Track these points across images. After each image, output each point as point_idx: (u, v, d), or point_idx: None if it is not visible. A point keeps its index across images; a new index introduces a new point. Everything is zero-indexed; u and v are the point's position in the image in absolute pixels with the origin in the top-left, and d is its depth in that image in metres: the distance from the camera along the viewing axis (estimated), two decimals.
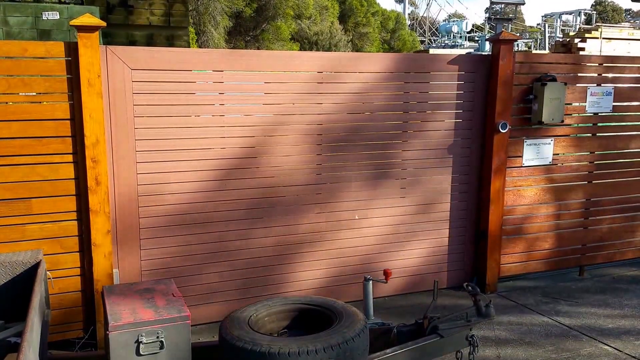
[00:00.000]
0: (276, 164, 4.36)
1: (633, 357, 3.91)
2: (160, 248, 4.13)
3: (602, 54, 12.03)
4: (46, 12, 5.58)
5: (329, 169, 4.53)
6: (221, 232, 4.27)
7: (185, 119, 4.05)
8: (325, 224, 4.59)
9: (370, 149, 4.63)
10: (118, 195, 3.96)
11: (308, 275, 4.61)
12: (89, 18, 3.68)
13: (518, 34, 16.18)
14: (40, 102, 3.72)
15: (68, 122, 3.76)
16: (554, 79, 4.89)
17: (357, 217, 4.65)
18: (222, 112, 4.16)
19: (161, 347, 2.79)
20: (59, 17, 5.63)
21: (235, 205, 4.28)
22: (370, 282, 3.81)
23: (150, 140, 3.99)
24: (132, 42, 7.46)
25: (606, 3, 60.23)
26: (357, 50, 25.87)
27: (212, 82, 4.12)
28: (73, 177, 3.82)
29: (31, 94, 3.71)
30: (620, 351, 3.99)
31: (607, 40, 12.82)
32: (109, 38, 7.27)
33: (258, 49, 20.06)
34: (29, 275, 3.08)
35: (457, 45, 38.16)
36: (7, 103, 3.64)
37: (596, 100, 5.22)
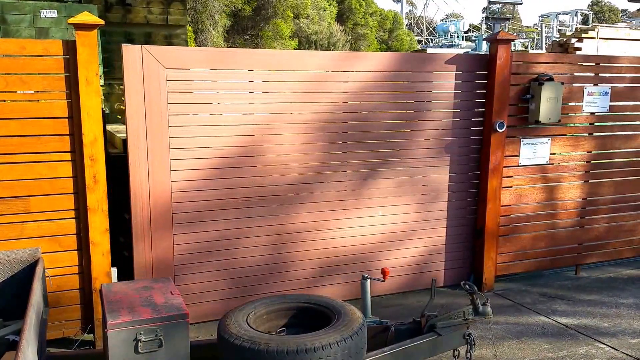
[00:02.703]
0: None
1: (629, 355, 3.93)
2: (193, 233, 4.21)
3: (599, 54, 12.06)
4: (44, 10, 5.57)
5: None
6: (246, 227, 4.36)
7: (217, 117, 4.15)
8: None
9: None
10: (153, 189, 4.04)
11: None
12: (87, 16, 3.68)
13: (515, 34, 16.21)
14: (38, 101, 3.72)
15: (66, 120, 3.76)
16: (551, 79, 4.91)
17: (380, 214, 4.71)
18: (252, 110, 4.22)
19: (160, 345, 2.79)
20: (57, 15, 5.63)
21: (254, 201, 4.36)
22: (368, 280, 3.82)
23: (183, 138, 4.07)
24: (130, 41, 7.46)
25: (603, 3, 60.37)
26: (355, 50, 25.88)
27: (243, 81, 4.19)
28: (71, 175, 3.82)
29: (29, 92, 3.71)
30: (616, 350, 4.02)
31: (604, 40, 12.85)
32: (106, 36, 7.26)
33: (257, 47, 20.05)
34: (28, 273, 3.08)
35: (455, 45, 38.20)
36: (5, 101, 3.64)
37: (593, 99, 5.24)
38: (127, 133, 3.95)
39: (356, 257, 4.74)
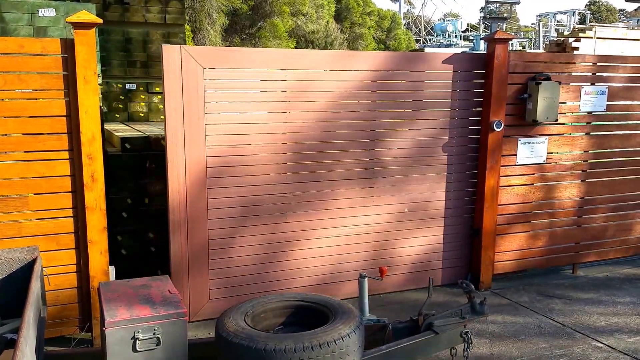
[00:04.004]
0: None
1: (626, 354, 3.95)
2: (224, 229, 4.31)
3: (596, 53, 12.09)
4: (42, 9, 5.56)
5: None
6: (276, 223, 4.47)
7: (251, 116, 4.23)
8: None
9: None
10: (190, 187, 4.13)
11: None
12: (85, 15, 3.68)
13: (513, 34, 16.22)
14: (36, 99, 3.72)
15: (64, 118, 3.76)
16: (548, 78, 4.92)
17: (406, 210, 4.79)
18: (285, 109, 4.31)
19: (158, 344, 2.80)
20: (55, 14, 5.62)
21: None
22: (366, 279, 3.83)
23: (219, 136, 4.16)
24: (128, 40, 7.45)
25: (600, 3, 60.48)
26: (352, 49, 25.86)
27: (277, 81, 4.26)
28: (69, 173, 3.82)
29: (27, 90, 3.70)
30: (613, 348, 4.03)
31: (601, 40, 12.88)
32: (105, 35, 7.25)
33: (254, 46, 20.04)
34: (26, 271, 3.08)
35: (452, 44, 38.24)
36: (3, 100, 3.64)
37: (590, 99, 5.26)
38: (165, 131, 4.05)
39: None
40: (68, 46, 3.71)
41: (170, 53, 3.96)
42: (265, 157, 4.34)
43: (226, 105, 4.18)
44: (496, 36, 4.82)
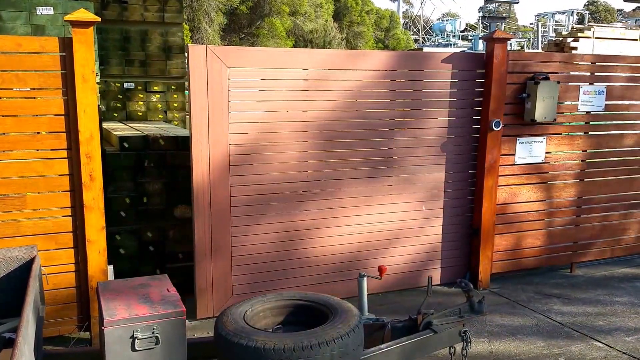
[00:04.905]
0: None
1: (624, 353, 3.96)
2: (250, 226, 4.41)
3: (595, 53, 12.11)
4: (40, 7, 5.54)
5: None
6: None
7: (273, 114, 4.32)
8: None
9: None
10: (213, 186, 4.20)
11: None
12: (84, 13, 3.68)
13: (511, 33, 16.24)
14: (34, 98, 3.71)
15: (62, 117, 3.75)
16: (546, 78, 4.92)
17: (424, 208, 4.85)
18: (306, 107, 4.39)
19: (156, 343, 2.79)
20: (53, 13, 5.59)
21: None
22: (365, 278, 3.83)
23: (242, 135, 4.24)
24: (127, 38, 7.43)
25: (598, 3, 60.55)
26: (351, 49, 25.87)
27: (298, 80, 4.34)
28: (67, 173, 3.81)
29: (25, 89, 3.69)
30: (611, 347, 4.04)
31: (600, 39, 12.90)
32: (103, 34, 7.24)
33: (253, 45, 20.03)
34: (24, 271, 3.07)
35: (451, 44, 38.24)
36: (1, 98, 3.63)
37: (588, 98, 5.26)
38: (190, 129, 4.13)
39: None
40: (66, 45, 3.70)
41: (196, 53, 4.03)
42: (290, 156, 4.42)
43: (249, 104, 4.27)
44: (495, 35, 4.82)
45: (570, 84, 5.18)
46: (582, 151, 5.40)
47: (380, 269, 3.92)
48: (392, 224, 4.84)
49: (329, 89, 4.45)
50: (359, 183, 4.68)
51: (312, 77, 4.37)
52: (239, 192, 4.33)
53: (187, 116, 4.13)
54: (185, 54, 4.02)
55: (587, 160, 5.43)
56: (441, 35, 42.92)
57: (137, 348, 2.76)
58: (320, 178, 4.56)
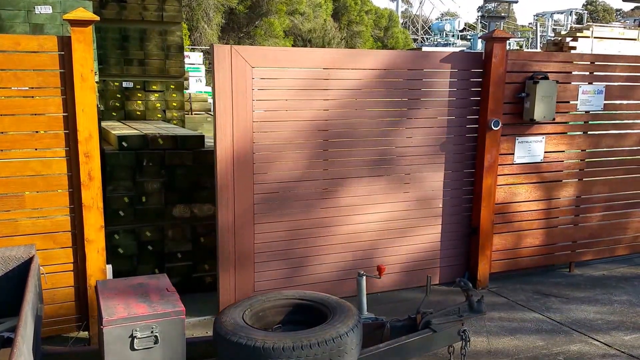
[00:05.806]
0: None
1: (622, 352, 3.96)
2: (272, 223, 4.45)
3: (593, 53, 12.13)
4: (39, 6, 5.52)
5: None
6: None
7: (296, 113, 4.37)
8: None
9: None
10: (237, 184, 4.24)
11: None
12: (82, 12, 3.67)
13: (510, 33, 16.25)
14: (32, 97, 3.70)
15: (61, 117, 3.75)
16: (545, 77, 4.93)
17: (440, 206, 4.93)
18: (328, 107, 4.44)
19: (155, 342, 2.79)
20: (51, 11, 5.58)
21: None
22: (364, 277, 3.83)
23: (266, 133, 4.30)
24: (125, 38, 7.42)
25: (597, 3, 60.62)
26: (349, 48, 25.86)
27: (320, 79, 4.38)
28: (66, 172, 3.81)
29: (24, 88, 3.68)
30: (609, 346, 4.04)
31: (599, 39, 12.92)
32: (102, 33, 7.23)
33: (251, 44, 20.02)
34: (22, 270, 3.07)
35: (450, 43, 38.25)
36: None
37: (587, 98, 5.27)
38: (215, 128, 4.16)
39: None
40: (65, 44, 3.69)
41: (221, 53, 4.07)
42: (311, 154, 4.47)
43: (272, 103, 4.31)
44: (494, 35, 4.83)
45: (569, 83, 5.18)
46: (581, 151, 5.41)
47: (379, 269, 3.92)
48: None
49: (351, 89, 4.50)
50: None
51: (332, 76, 4.41)
52: (263, 190, 4.37)
53: (212, 115, 4.17)
54: (208, 54, 4.05)
55: (586, 160, 5.43)
56: (440, 34, 42.95)
57: (136, 347, 2.75)
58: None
